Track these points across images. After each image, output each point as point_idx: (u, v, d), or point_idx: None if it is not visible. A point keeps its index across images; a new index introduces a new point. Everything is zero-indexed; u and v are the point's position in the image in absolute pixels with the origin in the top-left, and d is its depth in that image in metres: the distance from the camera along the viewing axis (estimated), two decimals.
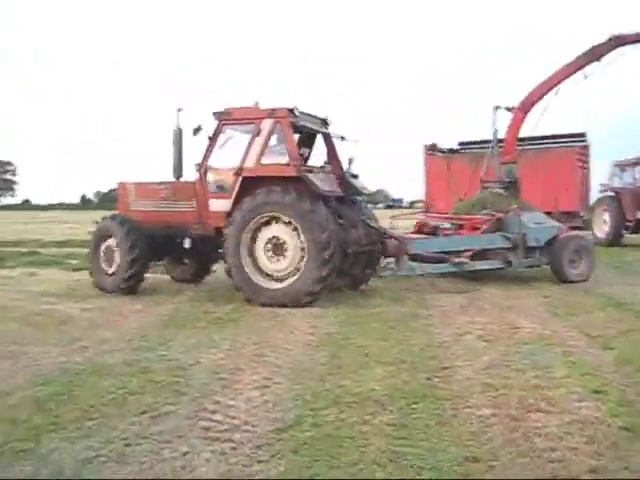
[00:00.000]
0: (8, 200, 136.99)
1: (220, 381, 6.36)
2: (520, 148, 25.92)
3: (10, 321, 9.40)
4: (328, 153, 12.22)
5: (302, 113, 11.19)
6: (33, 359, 7.31)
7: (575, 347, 7.55)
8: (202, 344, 7.92)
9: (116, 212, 12.61)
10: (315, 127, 11.93)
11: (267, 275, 10.70)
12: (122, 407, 5.62)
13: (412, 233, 14.42)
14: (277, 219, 10.57)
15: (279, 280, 10.64)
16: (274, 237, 10.61)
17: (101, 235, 12.14)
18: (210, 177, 11.47)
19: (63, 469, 4.32)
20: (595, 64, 14.97)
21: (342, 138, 12.28)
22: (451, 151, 30.22)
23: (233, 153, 11.12)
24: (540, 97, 15.49)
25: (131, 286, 11.80)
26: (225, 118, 11.31)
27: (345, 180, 11.75)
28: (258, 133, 10.82)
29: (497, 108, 16.08)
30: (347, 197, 11.86)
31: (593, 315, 9.57)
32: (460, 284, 12.94)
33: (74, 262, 16.80)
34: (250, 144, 10.91)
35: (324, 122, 12.42)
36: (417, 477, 4.17)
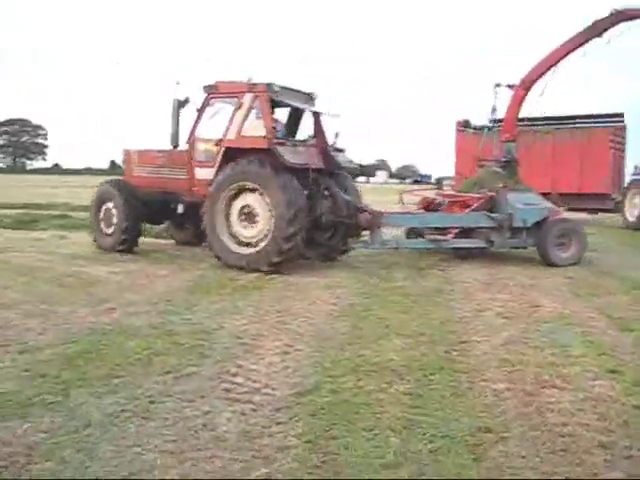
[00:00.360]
0: (40, 163, 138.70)
1: (242, 346, 6.54)
2: (555, 127, 25.82)
3: (41, 281, 9.67)
4: (314, 127, 12.50)
5: (283, 88, 11.62)
6: (62, 318, 7.54)
7: (594, 327, 7.59)
8: (226, 310, 8.10)
9: (116, 177, 13.60)
10: (294, 102, 12.19)
11: (238, 240, 11.27)
12: (147, 367, 5.81)
13: (418, 209, 14.33)
14: (252, 189, 11.06)
15: (248, 246, 11.17)
16: (247, 205, 11.17)
17: (101, 198, 13.00)
18: (197, 147, 12.06)
19: (91, 422, 4.51)
20: (597, 40, 14.35)
21: (320, 113, 12.41)
22: (483, 128, 30.00)
23: (219, 124, 11.67)
24: (540, 75, 14.97)
25: (127, 246, 12.67)
26: (212, 91, 11.87)
27: (328, 154, 12.08)
28: (240, 106, 11.37)
29: (498, 85, 15.49)
30: (330, 170, 12.16)
31: (616, 297, 9.56)
32: (486, 262, 12.96)
33: None
34: (232, 116, 11.46)
35: (310, 97, 12.70)
36: (429, 445, 4.30)
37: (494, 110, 14.71)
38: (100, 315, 7.73)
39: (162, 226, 14.85)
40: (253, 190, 11.03)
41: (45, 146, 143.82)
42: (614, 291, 10.11)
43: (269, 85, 11.29)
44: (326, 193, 11.82)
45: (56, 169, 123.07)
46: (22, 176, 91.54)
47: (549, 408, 4.99)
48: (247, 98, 11.36)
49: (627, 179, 24.39)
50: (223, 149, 11.43)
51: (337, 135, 12.36)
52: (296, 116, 13.03)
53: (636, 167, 23.97)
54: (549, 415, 4.85)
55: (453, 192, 16.46)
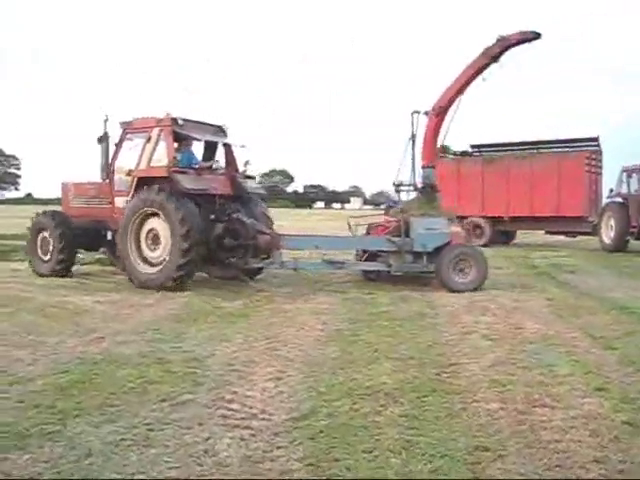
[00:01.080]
0: (13, 194, 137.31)
1: (235, 372, 6.57)
2: (532, 152, 26.22)
3: (25, 312, 9.61)
4: (225, 157, 13.84)
5: (189, 121, 12.89)
6: (51, 348, 7.51)
7: (578, 347, 7.74)
8: (215, 337, 8.13)
9: (52, 209, 14.58)
10: (198, 135, 13.41)
11: (147, 261, 12.33)
12: (142, 395, 5.82)
13: (365, 234, 14.44)
14: (155, 214, 12.15)
15: (154, 265, 12.21)
16: (153, 229, 12.29)
17: (37, 228, 13.94)
18: (116, 178, 13.25)
19: (92, 451, 4.52)
20: (495, 65, 13.93)
21: (230, 144, 13.82)
22: (463, 154, 30.32)
23: (134, 157, 12.86)
24: (449, 101, 14.43)
25: (62, 270, 13.50)
26: (127, 127, 13.15)
27: (236, 181, 13.35)
28: (149, 139, 12.59)
29: (416, 112, 15.12)
30: (238, 195, 13.41)
31: (597, 317, 9.74)
32: None
33: (81, 256, 16.92)
34: (143, 149, 12.66)
35: (220, 129, 13.94)
36: (429, 465, 4.37)
37: (413, 137, 14.56)
38: (89, 345, 7.71)
39: (98, 254, 15.44)
40: (156, 215, 12.08)
41: (18, 176, 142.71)
42: (594, 311, 10.29)
43: (174, 120, 12.48)
44: (235, 217, 12.76)
45: (28, 199, 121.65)
46: None
47: (542, 426, 5.09)
48: (155, 132, 12.53)
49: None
50: (135, 179, 12.51)
51: (247, 163, 13.66)
52: (211, 147, 14.14)
53: (611, 190, 24.40)
54: (543, 433, 4.95)
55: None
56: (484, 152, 28.49)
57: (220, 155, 14.03)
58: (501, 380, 6.31)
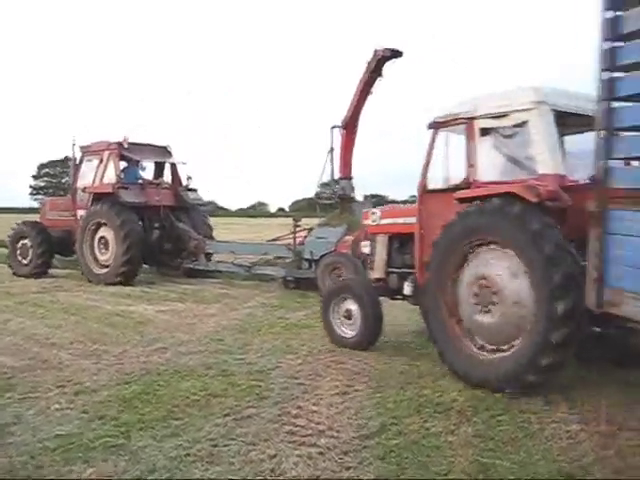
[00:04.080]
0: None
1: (300, 386, 6.40)
2: None
3: (91, 321, 9.68)
4: (171, 173, 16.32)
5: (135, 144, 15.26)
6: (116, 358, 7.50)
7: None
8: (279, 349, 7.99)
9: (31, 219, 16.46)
10: (140, 156, 15.65)
11: (100, 264, 14.52)
12: (206, 409, 5.69)
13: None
14: (104, 223, 14.36)
15: (105, 267, 14.39)
16: (103, 237, 14.42)
17: (17, 236, 15.78)
18: (78, 194, 15.43)
19: (156, 466, 4.40)
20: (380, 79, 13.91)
21: (174, 163, 16.34)
22: None
23: (90, 175, 15.18)
24: (353, 116, 14.39)
25: (40, 272, 15.32)
26: (85, 150, 15.55)
27: (178, 194, 15.83)
28: (101, 161, 14.96)
29: (333, 127, 14.74)
30: (181, 206, 15.92)
31: None
32: None
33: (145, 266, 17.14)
34: (96, 168, 14.99)
35: (165, 150, 16.29)
36: None
37: (332, 150, 14.72)
38: (152, 355, 7.67)
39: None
40: (105, 224, 14.30)
41: None
42: None
43: (119, 144, 14.85)
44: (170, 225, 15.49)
45: None
46: None
47: (630, 451, 4.74)
48: (105, 154, 14.95)
49: None
50: (91, 194, 14.81)
51: (189, 178, 16.12)
52: (159, 166, 16.48)
53: None
54: (631, 459, 4.60)
55: None
56: None
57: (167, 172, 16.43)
58: (579, 398, 5.96)
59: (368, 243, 8.84)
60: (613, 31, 4.61)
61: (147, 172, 16.43)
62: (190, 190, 16.06)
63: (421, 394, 6.10)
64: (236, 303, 11.55)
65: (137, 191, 14.80)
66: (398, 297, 8.39)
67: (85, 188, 15.06)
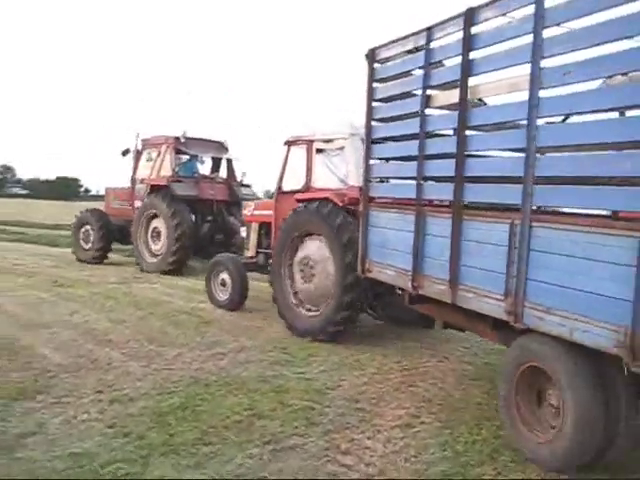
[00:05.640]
0: None
1: (359, 412, 5.58)
2: None
3: (155, 318, 9.19)
4: (227, 168, 16.29)
5: (192, 139, 15.29)
6: (166, 362, 6.93)
7: None
8: (345, 363, 7.17)
9: (94, 207, 16.97)
10: (197, 151, 15.79)
11: (152, 253, 14.79)
12: (245, 433, 4.98)
13: None
14: (157, 215, 14.60)
15: (156, 256, 14.68)
16: (156, 227, 14.69)
17: (80, 222, 16.29)
18: (136, 185, 15.76)
19: None
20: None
21: (231, 159, 16.36)
22: None
23: (148, 167, 15.42)
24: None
25: (99, 257, 15.92)
26: (146, 143, 15.75)
27: (232, 188, 15.79)
28: (159, 154, 15.16)
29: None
30: (233, 200, 15.80)
31: None
32: None
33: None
34: (154, 161, 15.21)
35: (221, 145, 16.27)
36: None
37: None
38: (207, 361, 7.05)
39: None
40: (158, 216, 14.54)
41: None
42: None
43: (177, 138, 14.94)
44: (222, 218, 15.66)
45: None
46: None
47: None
48: (163, 148, 15.09)
49: None
50: (149, 186, 14.95)
51: (244, 174, 16.31)
52: (216, 160, 16.54)
53: None
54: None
55: None
56: None
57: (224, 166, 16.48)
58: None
59: (244, 229, 11.31)
60: (373, 97, 7.01)
61: (206, 167, 16.68)
62: (244, 186, 16.11)
63: (497, 435, 5.12)
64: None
65: (191, 184, 14.97)
66: (267, 272, 9.87)
67: (142, 180, 15.47)
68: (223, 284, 10.41)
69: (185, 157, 15.83)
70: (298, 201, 8.76)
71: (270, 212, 10.05)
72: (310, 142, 9.16)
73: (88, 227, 16.07)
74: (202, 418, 5.24)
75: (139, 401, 5.64)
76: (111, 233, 16.08)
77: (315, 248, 8.48)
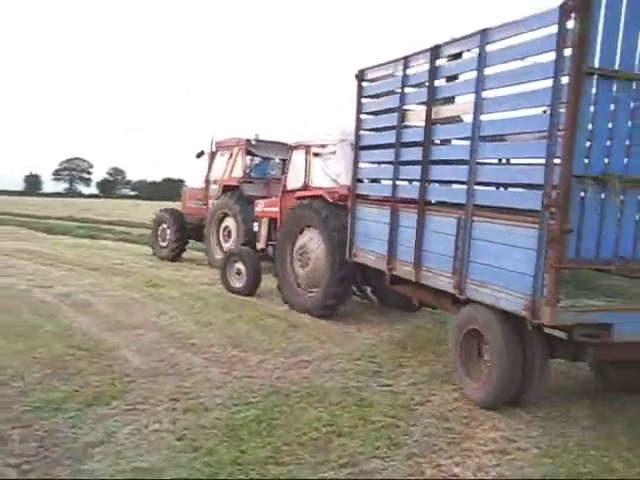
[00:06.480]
0: None
1: (448, 433, 5.07)
2: None
3: (243, 321, 8.97)
4: None
5: (261, 141, 15.63)
6: (248, 369, 6.66)
7: None
8: (436, 375, 6.67)
9: (171, 207, 17.50)
10: (266, 153, 15.80)
11: (222, 250, 14.85)
12: (321, 453, 4.59)
13: None
14: (228, 214, 14.92)
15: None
16: (227, 226, 14.98)
17: (159, 221, 16.84)
18: (210, 186, 16.16)
19: None
20: None
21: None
22: None
23: (222, 168, 15.81)
24: None
25: (176, 255, 16.45)
26: (220, 146, 16.09)
27: None
28: (231, 156, 15.59)
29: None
30: None
31: None
32: None
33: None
34: (227, 162, 15.63)
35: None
36: None
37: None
38: (290, 369, 6.72)
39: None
40: (228, 214, 14.90)
41: None
42: None
43: (248, 141, 15.30)
44: None
45: None
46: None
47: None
48: (235, 150, 15.49)
49: None
50: (222, 186, 15.40)
51: None
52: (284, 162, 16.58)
53: None
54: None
55: None
56: None
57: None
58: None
59: (256, 224, 12.36)
60: (361, 110, 8.39)
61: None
62: None
63: (610, 466, 4.49)
64: (403, 314, 10.11)
65: (261, 186, 15.26)
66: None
67: (215, 180, 15.98)
68: (238, 272, 11.49)
69: (258, 159, 16.22)
70: (298, 199, 10.21)
71: (277, 209, 11.33)
72: (308, 147, 10.48)
73: (165, 226, 16.66)
74: (277, 433, 4.89)
75: (213, 411, 5.35)
76: (186, 231, 16.56)
77: (310, 238, 9.78)
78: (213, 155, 16.34)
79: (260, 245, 11.99)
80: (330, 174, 10.01)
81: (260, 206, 12.23)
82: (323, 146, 10.24)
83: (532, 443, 4.90)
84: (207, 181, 16.43)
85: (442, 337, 8.38)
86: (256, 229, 12.39)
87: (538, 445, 4.86)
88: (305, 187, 10.39)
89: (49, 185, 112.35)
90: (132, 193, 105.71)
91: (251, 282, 11.31)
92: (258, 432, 4.91)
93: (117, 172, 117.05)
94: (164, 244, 16.70)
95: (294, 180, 10.80)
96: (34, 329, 8.02)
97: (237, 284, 11.46)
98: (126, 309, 9.56)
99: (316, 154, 10.37)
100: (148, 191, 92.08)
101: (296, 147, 10.89)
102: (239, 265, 11.50)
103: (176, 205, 18.09)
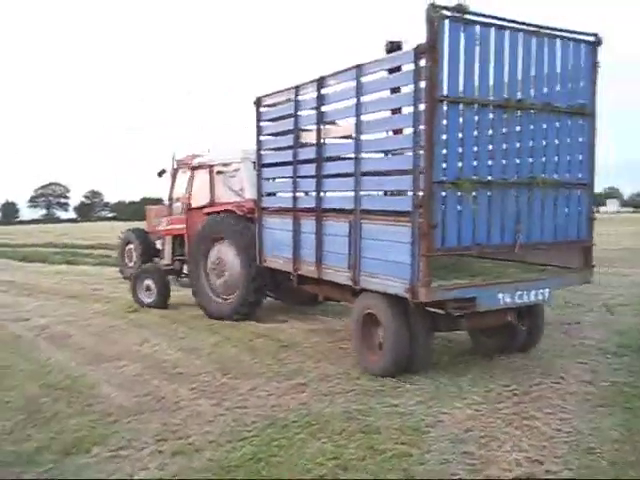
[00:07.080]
0: None
1: (466, 458, 4.57)
2: None
3: (231, 343, 8.49)
4: None
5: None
6: (240, 399, 6.15)
7: None
8: (444, 390, 6.17)
9: (136, 227, 17.31)
10: None
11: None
12: None
13: None
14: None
15: None
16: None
17: (125, 241, 16.90)
18: (174, 203, 15.44)
19: None
20: None
21: None
22: None
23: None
24: None
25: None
26: (180, 164, 14.98)
27: None
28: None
29: None
30: None
31: None
32: None
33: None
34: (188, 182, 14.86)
35: None
36: None
37: None
38: (285, 395, 6.21)
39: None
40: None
41: None
42: None
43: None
44: None
45: None
46: None
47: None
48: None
49: None
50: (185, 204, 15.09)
51: None
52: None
53: None
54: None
55: None
56: None
57: None
58: None
59: (161, 241, 13.25)
60: (261, 132, 9.39)
61: None
62: None
63: None
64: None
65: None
66: (183, 275, 12.39)
67: (178, 198, 15.45)
68: (148, 289, 11.91)
69: None
70: (206, 214, 10.95)
71: (182, 226, 12.06)
72: (211, 166, 11.48)
73: (131, 246, 16.61)
74: (277, 472, 4.38)
75: (205, 451, 4.83)
76: (152, 250, 15.99)
77: (224, 250, 10.46)
78: (175, 173, 15.58)
79: (166, 261, 12.62)
80: (235, 189, 10.98)
81: (162, 224, 13.02)
82: (226, 164, 11.25)
83: (561, 464, 4.40)
84: (170, 199, 15.71)
85: (441, 348, 7.97)
86: (159, 246, 13.41)
87: (568, 465, 4.38)
88: (211, 203, 11.21)
89: (26, 212, 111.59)
90: (110, 215, 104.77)
91: (160, 296, 11.78)
92: (257, 472, 4.41)
93: (94, 195, 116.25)
94: (131, 264, 16.46)
95: (199, 198, 11.60)
96: (7, 369, 7.55)
97: (147, 299, 11.85)
98: (107, 338, 9.08)
99: (219, 172, 11.36)
100: (127, 212, 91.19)
101: (198, 167, 11.83)
102: (148, 281, 11.94)
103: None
